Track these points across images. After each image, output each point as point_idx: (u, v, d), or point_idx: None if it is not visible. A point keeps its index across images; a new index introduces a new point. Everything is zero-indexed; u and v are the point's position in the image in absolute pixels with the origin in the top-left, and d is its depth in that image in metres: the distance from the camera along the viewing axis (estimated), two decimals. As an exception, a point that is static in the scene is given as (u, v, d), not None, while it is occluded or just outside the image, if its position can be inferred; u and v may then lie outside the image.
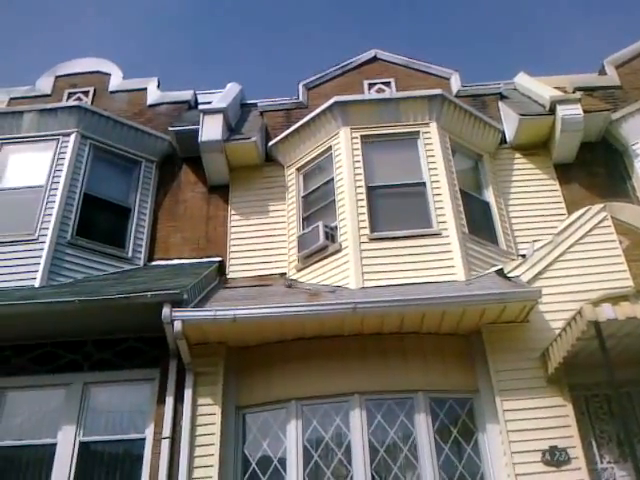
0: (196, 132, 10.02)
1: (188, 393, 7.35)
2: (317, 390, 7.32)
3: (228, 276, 9.36)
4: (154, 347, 7.78)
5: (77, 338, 7.94)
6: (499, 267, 8.44)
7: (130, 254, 9.46)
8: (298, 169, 10.28)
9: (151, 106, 11.53)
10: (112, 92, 11.82)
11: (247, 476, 7.11)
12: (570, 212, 9.10)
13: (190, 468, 6.94)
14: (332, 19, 33.44)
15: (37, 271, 8.53)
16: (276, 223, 9.87)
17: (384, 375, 7.39)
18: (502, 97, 11.08)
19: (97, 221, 9.61)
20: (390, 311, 7.26)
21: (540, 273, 8.05)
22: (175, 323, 7.09)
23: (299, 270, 9.10)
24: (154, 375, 7.71)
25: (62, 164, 9.63)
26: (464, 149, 10.02)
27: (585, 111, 9.82)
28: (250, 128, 10.61)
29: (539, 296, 7.34)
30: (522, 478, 6.67)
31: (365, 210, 8.95)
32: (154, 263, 9.59)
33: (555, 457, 6.74)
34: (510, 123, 10.37)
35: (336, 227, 9.00)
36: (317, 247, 8.89)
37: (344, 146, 9.62)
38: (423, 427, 7.06)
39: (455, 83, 11.44)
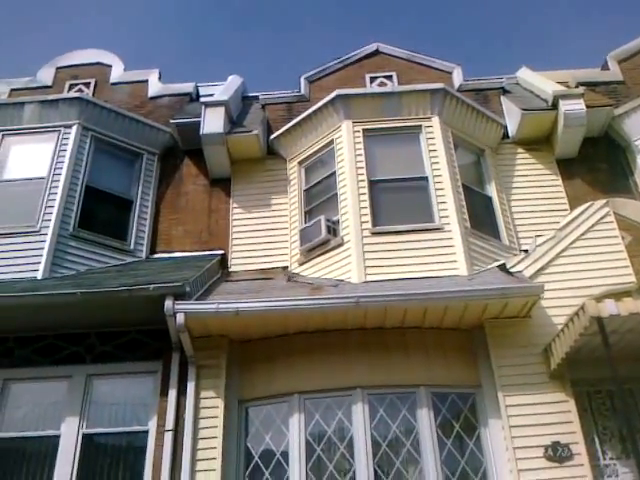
0: (198, 124, 9.99)
1: (191, 386, 7.35)
2: (320, 384, 7.33)
3: (230, 269, 9.36)
4: (156, 340, 7.77)
5: (80, 330, 7.93)
6: (501, 262, 8.45)
7: (132, 247, 9.45)
8: (300, 162, 10.26)
9: (152, 98, 11.49)
10: (113, 84, 11.78)
11: (250, 469, 7.12)
12: (572, 207, 9.12)
13: (193, 461, 6.95)
14: (334, 13, 33.37)
15: (39, 263, 8.53)
16: (278, 216, 9.86)
17: (386, 369, 7.40)
18: (504, 92, 11.05)
19: (99, 213, 9.60)
20: (392, 305, 7.26)
21: (542, 268, 8.05)
22: (177, 316, 7.09)
23: (301, 264, 9.10)
24: (157, 368, 7.70)
25: (64, 156, 9.61)
26: (466, 143, 10.01)
27: (588, 106, 9.81)
28: (252, 121, 10.58)
29: (541, 291, 7.33)
30: (524, 474, 6.68)
31: (367, 204, 8.94)
32: (156, 256, 9.59)
33: (557, 453, 6.76)
34: (512, 118, 10.35)
35: (338, 221, 9.00)
36: (319, 241, 8.88)
37: (346, 140, 9.60)
38: (425, 422, 7.07)
39: (457, 77, 11.42)
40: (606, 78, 11.11)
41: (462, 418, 7.28)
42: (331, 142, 9.85)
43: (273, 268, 9.30)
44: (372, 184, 9.18)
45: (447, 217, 8.73)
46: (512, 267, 8.18)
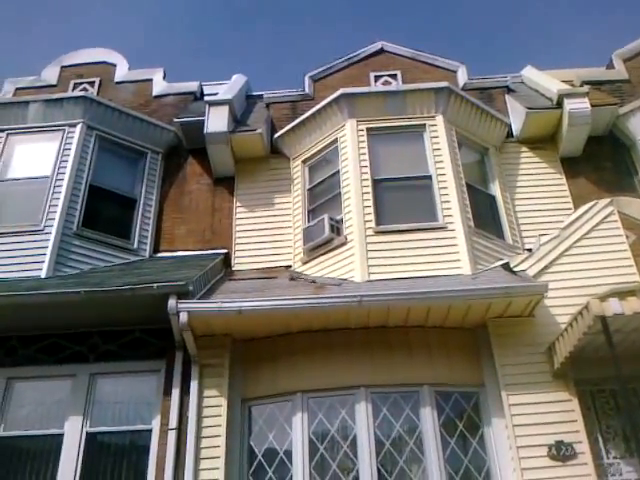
0: (202, 123, 10.00)
1: (194, 385, 7.36)
2: (323, 383, 7.33)
3: (233, 268, 9.37)
4: (160, 339, 7.80)
5: (83, 329, 7.95)
6: (505, 261, 8.42)
7: (136, 245, 9.47)
8: (304, 161, 10.26)
9: (157, 97, 11.51)
10: (118, 83, 11.81)
11: (253, 468, 7.13)
12: (576, 206, 9.09)
13: (196, 459, 6.96)
14: (338, 12, 33.32)
15: (43, 262, 8.55)
16: (282, 215, 9.87)
17: (390, 368, 7.39)
18: (509, 90, 11.04)
19: (103, 212, 9.62)
20: (396, 304, 7.25)
21: (546, 267, 8.03)
22: (181, 315, 7.10)
23: (304, 263, 9.10)
24: (160, 367, 7.72)
25: (68, 155, 9.63)
26: (470, 142, 9.99)
27: (592, 105, 9.78)
28: (256, 120, 10.58)
29: (545, 290, 7.32)
30: (528, 473, 6.67)
31: (371, 203, 8.94)
32: (159, 255, 9.59)
33: (561, 452, 6.74)
34: (517, 116, 10.33)
35: (341, 220, 9.00)
36: (322, 240, 8.88)
37: (350, 138, 9.59)
38: (429, 421, 7.06)
39: (462, 76, 11.39)
40: (611, 77, 11.08)
41: (465, 417, 7.27)
42: (335, 141, 9.85)
43: (276, 267, 9.30)
44: (376, 183, 9.18)
45: (451, 216, 8.72)
46: (516, 266, 8.16)
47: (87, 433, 7.38)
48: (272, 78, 31.52)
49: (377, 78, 11.68)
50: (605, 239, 8.19)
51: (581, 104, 9.75)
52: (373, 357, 7.45)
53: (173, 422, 7.25)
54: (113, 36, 30.78)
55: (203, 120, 10.00)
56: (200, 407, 7.26)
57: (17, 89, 11.72)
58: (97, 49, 12.42)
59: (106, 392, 7.69)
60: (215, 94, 10.86)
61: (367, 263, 8.38)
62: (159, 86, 11.66)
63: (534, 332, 7.53)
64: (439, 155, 9.35)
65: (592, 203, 8.56)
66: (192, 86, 11.70)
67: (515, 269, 8.10)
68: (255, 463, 7.15)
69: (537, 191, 9.78)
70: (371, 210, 8.86)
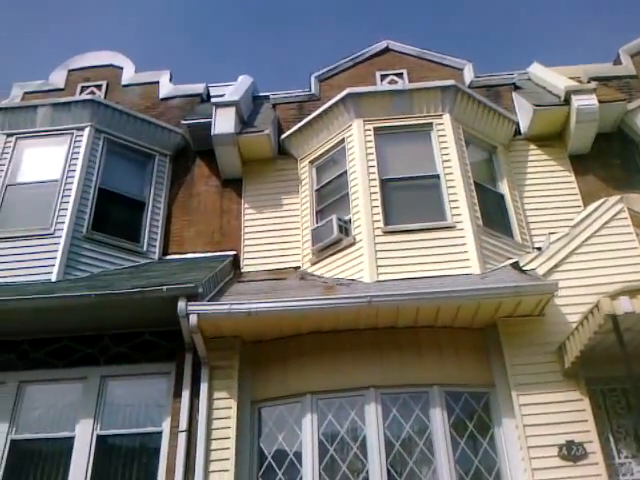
0: (209, 125, 10.00)
1: (204, 387, 7.38)
2: (332, 384, 7.33)
3: (242, 270, 9.38)
4: (170, 341, 7.82)
5: (93, 332, 7.98)
6: (514, 260, 8.39)
7: (145, 248, 9.49)
8: (311, 162, 10.26)
9: (164, 99, 11.53)
10: (125, 85, 11.83)
11: (263, 470, 7.14)
12: (586, 204, 9.04)
13: (206, 461, 6.97)
14: (343, 11, 33.28)
15: (53, 265, 8.58)
16: (290, 216, 9.87)
17: (399, 369, 7.38)
18: (516, 87, 10.99)
19: (112, 215, 9.65)
20: (405, 304, 7.24)
21: (556, 266, 7.99)
22: (190, 317, 7.11)
23: (313, 264, 9.10)
24: (170, 369, 7.75)
25: (77, 158, 9.67)
26: (478, 141, 9.96)
27: (600, 101, 9.73)
28: (263, 121, 10.59)
29: (555, 289, 7.29)
30: (539, 473, 6.64)
31: (379, 203, 8.92)
32: (169, 257, 9.62)
33: (572, 452, 6.71)
34: (524, 114, 10.29)
35: (350, 220, 8.99)
36: (331, 240, 8.88)
37: (357, 138, 9.58)
38: (439, 421, 7.05)
39: (468, 74, 11.34)
40: (618, 73, 11.02)
41: (476, 417, 7.25)
42: (342, 141, 9.84)
43: (285, 268, 9.31)
44: (383, 183, 9.17)
45: (459, 215, 8.69)
46: (525, 265, 8.12)
47: (98, 436, 7.41)
48: (278, 79, 31.54)
49: (383, 77, 11.64)
50: (615, 237, 8.14)
51: (589, 100, 9.69)
52: (382, 358, 7.45)
53: (183, 424, 7.26)
54: (119, 39, 30.94)
55: (210, 122, 10.00)
56: (210, 409, 7.28)
57: (25, 93, 11.77)
58: (104, 52, 12.46)
59: (116, 395, 7.72)
60: (222, 96, 10.89)
61: (376, 263, 8.37)
62: (166, 88, 11.67)
63: (544, 331, 7.50)
64: (447, 154, 9.32)
65: (602, 200, 8.51)
66: (199, 88, 11.71)
67: (524, 268, 8.06)
68: (265, 464, 7.17)
69: (546, 189, 9.73)
70: (379, 210, 8.84)
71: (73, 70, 12.16)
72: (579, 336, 6.71)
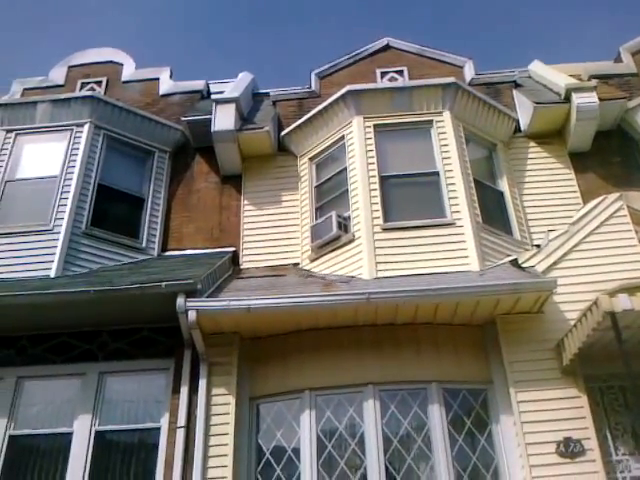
0: (209, 122, 10.00)
1: (202, 383, 7.39)
2: (331, 380, 7.34)
3: (241, 266, 9.38)
4: (168, 337, 7.83)
5: (92, 328, 8.00)
6: (513, 257, 8.39)
7: (144, 244, 9.49)
8: (311, 159, 10.25)
9: (164, 96, 11.53)
10: (125, 82, 11.82)
11: (261, 466, 7.15)
12: (585, 201, 9.04)
13: (205, 457, 6.99)
14: (343, 9, 33.24)
15: (52, 261, 8.58)
16: (289, 213, 9.86)
17: (398, 366, 7.39)
18: (516, 85, 10.97)
19: (111, 211, 9.65)
20: (404, 301, 7.24)
21: (555, 263, 7.98)
22: (189, 313, 7.12)
23: (312, 260, 9.10)
24: (169, 365, 7.76)
25: (76, 154, 9.67)
26: (478, 138, 9.95)
27: (601, 99, 9.72)
28: (263, 118, 10.58)
29: (554, 286, 7.28)
30: (536, 469, 6.65)
31: (378, 200, 8.91)
32: (168, 253, 9.62)
33: (570, 448, 6.72)
34: (524, 111, 10.27)
35: (349, 217, 8.98)
36: (330, 237, 8.87)
37: (357, 135, 9.57)
38: (437, 418, 7.06)
39: (469, 71, 11.33)
40: (619, 70, 10.99)
41: (473, 414, 7.25)
42: (342, 138, 9.83)
43: (284, 265, 9.31)
44: (383, 180, 9.16)
45: (459, 212, 8.68)
46: (524, 262, 8.12)
47: (96, 431, 7.43)
48: (279, 77, 31.54)
49: (383, 74, 11.64)
50: (614, 234, 8.13)
51: (589, 98, 9.68)
52: (381, 354, 7.45)
53: (182, 420, 7.28)
54: (119, 37, 30.91)
55: (210, 118, 10.00)
56: (208, 405, 7.29)
57: (25, 89, 11.76)
58: (104, 49, 12.45)
59: (115, 390, 7.73)
60: (222, 92, 10.85)
61: (375, 260, 8.37)
62: (166, 85, 11.67)
63: (543, 328, 7.50)
64: (446, 151, 9.32)
65: (601, 198, 8.50)
66: (199, 85, 11.70)
67: (524, 265, 8.07)
68: (263, 461, 7.17)
69: (545, 186, 9.73)
70: (379, 207, 8.84)
71: (73, 66, 12.15)
72: (577, 333, 6.70)
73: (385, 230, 8.63)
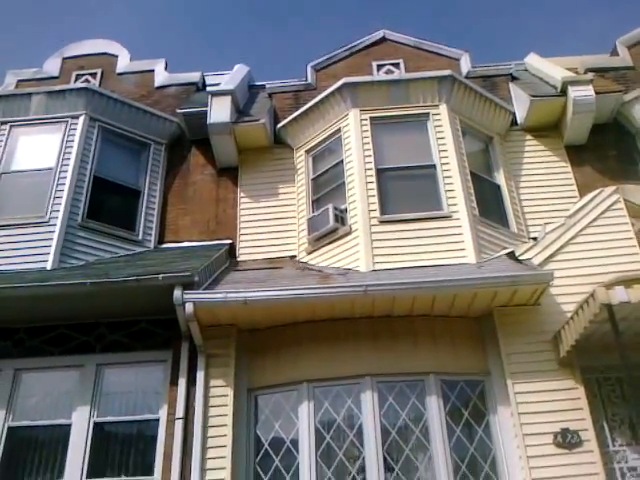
0: (204, 114, 9.97)
1: (200, 375, 7.39)
2: (328, 372, 7.35)
3: (238, 259, 9.37)
4: (166, 329, 7.83)
5: (89, 320, 7.99)
6: (510, 250, 8.42)
7: (140, 236, 9.47)
8: (307, 151, 10.23)
9: (159, 88, 11.47)
10: (120, 74, 11.76)
11: (259, 457, 7.17)
12: (582, 194, 9.06)
13: (203, 448, 7.00)
14: (340, 2, 33.13)
15: (49, 253, 8.55)
16: (286, 205, 9.85)
17: (395, 357, 7.41)
18: (513, 78, 10.98)
19: (107, 203, 9.61)
20: (401, 294, 7.26)
21: (552, 256, 8.02)
22: (186, 305, 7.13)
23: (309, 253, 9.10)
24: (166, 357, 7.76)
25: (71, 146, 9.62)
26: (474, 131, 9.96)
27: (597, 92, 9.74)
28: (259, 110, 10.55)
29: (551, 279, 7.31)
30: (534, 460, 6.69)
31: (375, 192, 8.91)
32: (164, 246, 9.61)
33: (567, 439, 6.77)
34: (521, 104, 10.29)
35: (346, 209, 8.98)
36: (327, 230, 8.87)
37: (353, 128, 9.56)
38: (434, 409, 7.09)
39: (465, 64, 11.33)
40: (615, 64, 11.01)
41: (471, 405, 7.29)
42: (338, 130, 9.81)
43: (281, 257, 9.31)
44: (380, 172, 9.15)
45: (455, 205, 8.69)
46: (521, 255, 8.15)
47: (95, 423, 7.44)
48: (275, 70, 31.43)
49: (379, 67, 11.62)
50: (611, 227, 8.16)
51: (585, 91, 9.70)
52: (378, 346, 7.47)
53: (180, 412, 7.30)
54: (114, 27, 30.69)
55: (206, 111, 9.97)
56: (206, 397, 7.29)
57: (19, 81, 11.67)
58: (98, 40, 12.36)
59: (113, 382, 7.74)
60: (217, 84, 10.81)
61: (372, 253, 8.37)
62: (161, 77, 11.61)
63: (540, 320, 7.53)
64: (443, 144, 9.32)
65: (597, 191, 8.52)
66: (194, 77, 11.65)
67: (520, 258, 8.10)
68: (262, 452, 7.19)
69: (542, 179, 9.75)
70: (375, 199, 8.84)
71: (68, 58, 12.07)
72: (574, 325, 6.74)
73: (382, 223, 8.63)
